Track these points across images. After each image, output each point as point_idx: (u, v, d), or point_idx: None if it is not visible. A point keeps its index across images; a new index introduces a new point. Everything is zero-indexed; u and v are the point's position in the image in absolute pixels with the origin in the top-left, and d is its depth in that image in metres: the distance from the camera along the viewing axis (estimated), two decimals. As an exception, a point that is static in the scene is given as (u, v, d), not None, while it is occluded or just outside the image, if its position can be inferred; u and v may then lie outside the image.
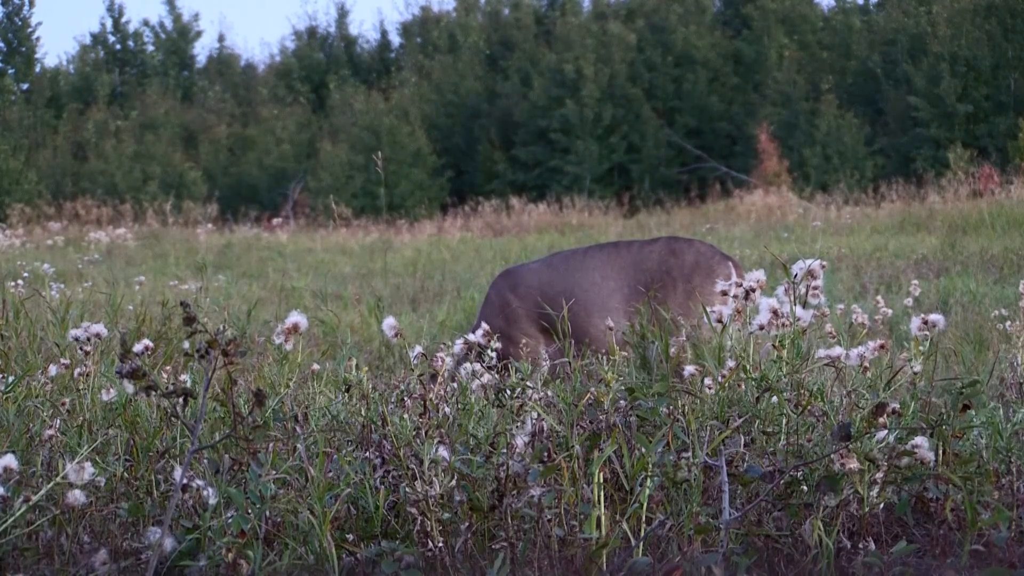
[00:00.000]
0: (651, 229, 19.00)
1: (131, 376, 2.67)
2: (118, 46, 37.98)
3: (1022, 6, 27.46)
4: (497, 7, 36.74)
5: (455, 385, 3.66)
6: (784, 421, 3.17)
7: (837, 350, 3.17)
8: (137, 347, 3.29)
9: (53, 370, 4.02)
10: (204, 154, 33.63)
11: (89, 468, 2.80)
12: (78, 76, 36.61)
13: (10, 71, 34.19)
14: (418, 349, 3.57)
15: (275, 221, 24.93)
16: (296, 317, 3.13)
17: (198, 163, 33.09)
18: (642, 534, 2.82)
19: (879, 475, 2.88)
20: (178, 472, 2.75)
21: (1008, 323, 6.20)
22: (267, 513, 2.82)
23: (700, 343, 4.79)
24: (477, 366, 3.69)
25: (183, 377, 4.19)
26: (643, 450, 2.85)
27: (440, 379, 3.47)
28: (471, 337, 3.56)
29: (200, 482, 2.81)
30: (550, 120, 31.44)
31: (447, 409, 3.39)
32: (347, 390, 3.80)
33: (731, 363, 3.46)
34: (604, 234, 18.59)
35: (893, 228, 16.62)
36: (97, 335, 3.68)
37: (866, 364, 3.26)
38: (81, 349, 3.73)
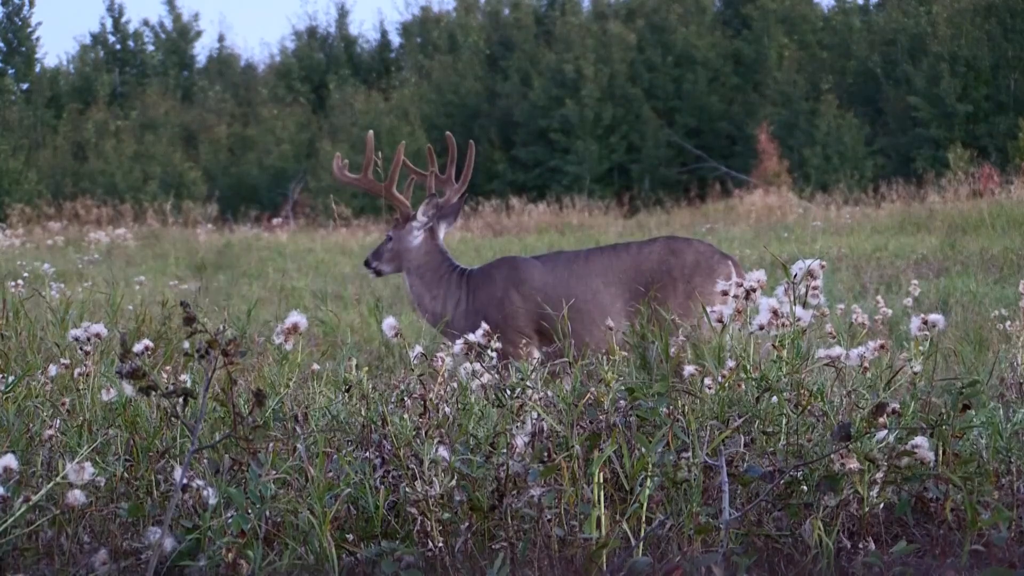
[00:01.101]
0: (651, 229, 18.99)
1: (131, 376, 2.67)
2: (118, 46, 37.99)
3: (1022, 6, 27.46)
4: (497, 7, 36.74)
5: (455, 385, 3.66)
6: (784, 421, 3.17)
7: (837, 350, 3.17)
8: (137, 347, 3.29)
9: (53, 370, 4.02)
10: (204, 154, 33.63)
11: (89, 468, 2.80)
12: (78, 76, 36.61)
13: (10, 71, 34.19)
14: (418, 349, 3.57)
15: (275, 221, 24.91)
16: (296, 317, 3.13)
17: (198, 163, 33.08)
18: (642, 534, 2.82)
19: (879, 475, 2.88)
20: (178, 472, 2.75)
21: (1008, 323, 6.20)
22: (267, 513, 2.82)
23: (700, 343, 4.78)
24: (477, 366, 3.68)
25: (183, 377, 4.19)
26: (643, 450, 2.85)
27: (440, 378, 3.47)
28: (471, 337, 3.55)
29: (200, 482, 2.81)
30: (550, 120, 31.44)
31: (447, 409, 3.39)
32: (347, 390, 3.80)
33: (731, 363, 3.46)
34: (604, 234, 18.58)
35: (893, 228, 16.61)
36: (97, 335, 3.68)
37: (866, 364, 3.26)
38: (81, 349, 3.72)
